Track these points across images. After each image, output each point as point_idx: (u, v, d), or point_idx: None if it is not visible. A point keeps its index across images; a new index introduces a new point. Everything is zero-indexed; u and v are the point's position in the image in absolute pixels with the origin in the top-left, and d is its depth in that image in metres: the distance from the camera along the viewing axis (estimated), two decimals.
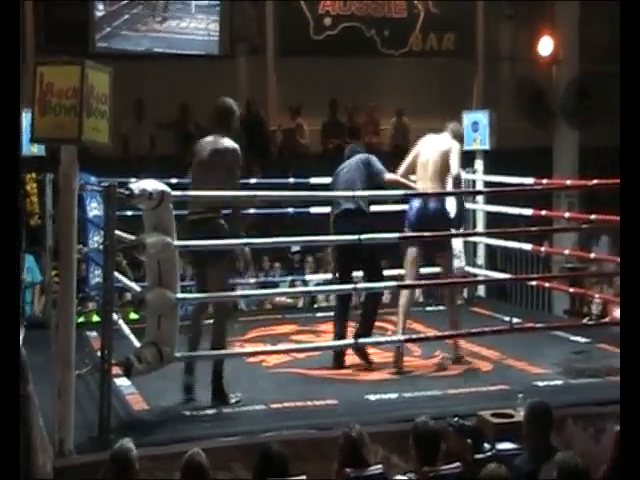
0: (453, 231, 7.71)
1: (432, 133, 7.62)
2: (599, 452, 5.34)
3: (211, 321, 6.35)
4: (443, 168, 7.27)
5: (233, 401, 6.01)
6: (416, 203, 7.20)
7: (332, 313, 8.85)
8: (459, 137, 7.62)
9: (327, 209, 8.67)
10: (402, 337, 6.88)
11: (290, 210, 9.29)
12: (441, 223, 7.12)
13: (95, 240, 7.56)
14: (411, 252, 7.26)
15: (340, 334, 7.06)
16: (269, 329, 8.21)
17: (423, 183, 7.31)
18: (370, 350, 7.05)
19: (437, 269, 7.82)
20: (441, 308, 8.93)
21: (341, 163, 7.61)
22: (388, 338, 7.15)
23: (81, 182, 6.66)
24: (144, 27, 14.33)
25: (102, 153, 8.59)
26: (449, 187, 7.34)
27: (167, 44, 14.45)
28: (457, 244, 9.33)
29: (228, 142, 6.30)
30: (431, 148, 7.39)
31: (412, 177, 7.50)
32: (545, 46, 14.28)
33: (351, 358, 6.92)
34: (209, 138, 6.43)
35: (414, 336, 7.26)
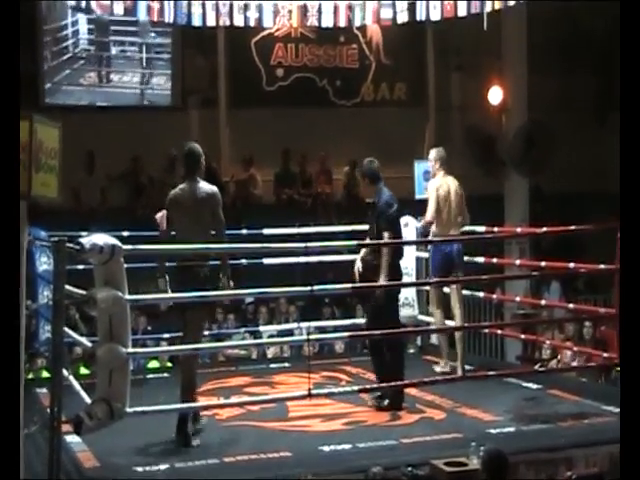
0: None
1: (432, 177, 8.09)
2: None
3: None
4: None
5: (194, 444, 6.08)
6: (444, 248, 7.92)
7: (286, 364, 8.92)
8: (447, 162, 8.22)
9: (280, 260, 8.75)
10: (356, 388, 6.92)
11: (243, 261, 9.28)
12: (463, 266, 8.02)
13: (45, 295, 7.49)
14: (437, 294, 8.19)
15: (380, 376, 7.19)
16: (222, 381, 8.16)
17: (449, 230, 8.05)
18: (325, 401, 7.06)
19: None
20: None
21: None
22: (342, 389, 7.15)
23: (30, 237, 6.64)
24: (85, 82, 14.39)
25: (52, 206, 8.54)
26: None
27: (109, 98, 14.51)
28: (410, 293, 9.39)
29: (207, 186, 6.51)
30: (451, 196, 8.12)
31: None
32: (494, 95, 14.51)
33: (304, 409, 6.91)
34: (184, 185, 6.52)
35: (367, 386, 7.25)
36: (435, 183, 8.22)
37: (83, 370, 8.59)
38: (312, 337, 7.01)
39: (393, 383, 6.91)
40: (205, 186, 6.52)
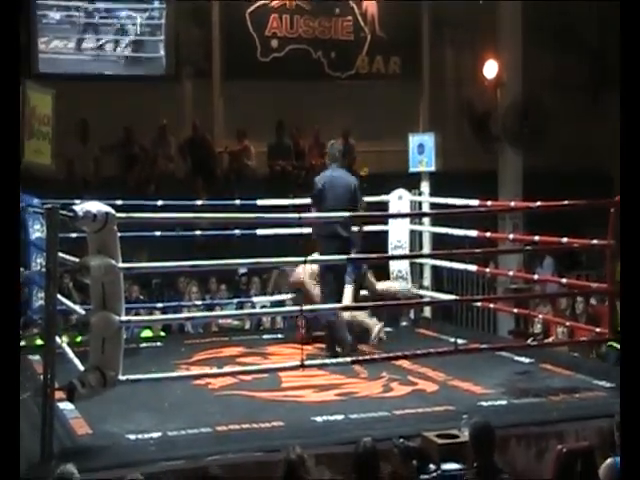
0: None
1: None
2: (542, 472, 5.40)
3: None
4: None
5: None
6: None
7: (279, 335, 8.93)
8: None
9: (273, 231, 8.77)
10: (348, 359, 6.94)
11: (237, 232, 9.27)
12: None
13: (38, 262, 7.47)
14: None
15: None
16: (215, 352, 8.16)
17: None
18: (317, 372, 7.08)
19: None
20: (387, 329, 9.00)
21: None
22: (335, 360, 7.16)
23: (23, 204, 6.61)
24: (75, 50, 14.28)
25: (46, 174, 8.54)
26: None
27: (99, 67, 14.40)
28: (403, 266, 9.41)
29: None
30: None
31: None
32: (489, 70, 14.47)
33: (297, 379, 6.92)
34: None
35: (360, 357, 7.26)
36: None
37: (80, 338, 8.57)
38: (305, 308, 7.01)
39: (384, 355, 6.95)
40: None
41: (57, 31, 14.20)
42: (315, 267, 8.11)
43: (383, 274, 9.30)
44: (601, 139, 14.84)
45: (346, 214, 7.38)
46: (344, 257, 6.71)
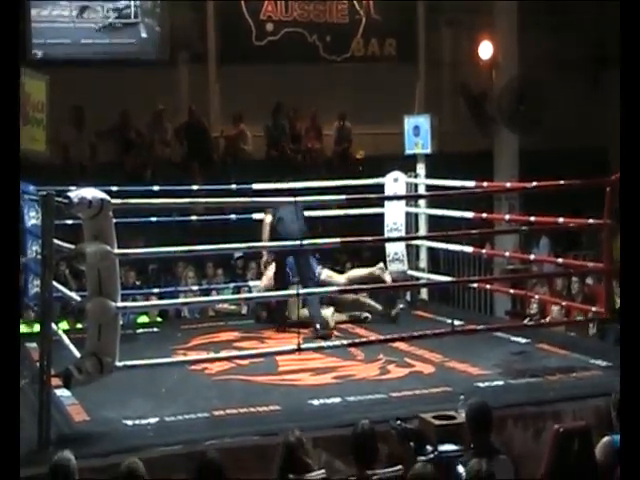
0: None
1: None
2: (539, 452, 5.41)
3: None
4: None
5: None
6: None
7: None
8: None
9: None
10: (345, 342, 6.95)
11: (233, 216, 9.27)
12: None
13: (34, 250, 7.46)
14: None
15: None
16: (212, 336, 8.17)
17: None
18: (314, 355, 7.09)
19: None
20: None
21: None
22: (331, 343, 7.18)
23: None
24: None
25: (41, 161, 8.55)
26: None
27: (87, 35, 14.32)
28: (399, 248, 9.41)
29: None
30: None
31: None
32: (485, 51, 14.42)
33: (294, 363, 6.93)
34: None
35: (356, 340, 7.27)
36: None
37: (80, 325, 8.58)
38: (302, 291, 7.01)
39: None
40: None
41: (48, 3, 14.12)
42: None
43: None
44: (599, 120, 14.82)
45: (343, 197, 7.37)
46: (337, 240, 6.67)
